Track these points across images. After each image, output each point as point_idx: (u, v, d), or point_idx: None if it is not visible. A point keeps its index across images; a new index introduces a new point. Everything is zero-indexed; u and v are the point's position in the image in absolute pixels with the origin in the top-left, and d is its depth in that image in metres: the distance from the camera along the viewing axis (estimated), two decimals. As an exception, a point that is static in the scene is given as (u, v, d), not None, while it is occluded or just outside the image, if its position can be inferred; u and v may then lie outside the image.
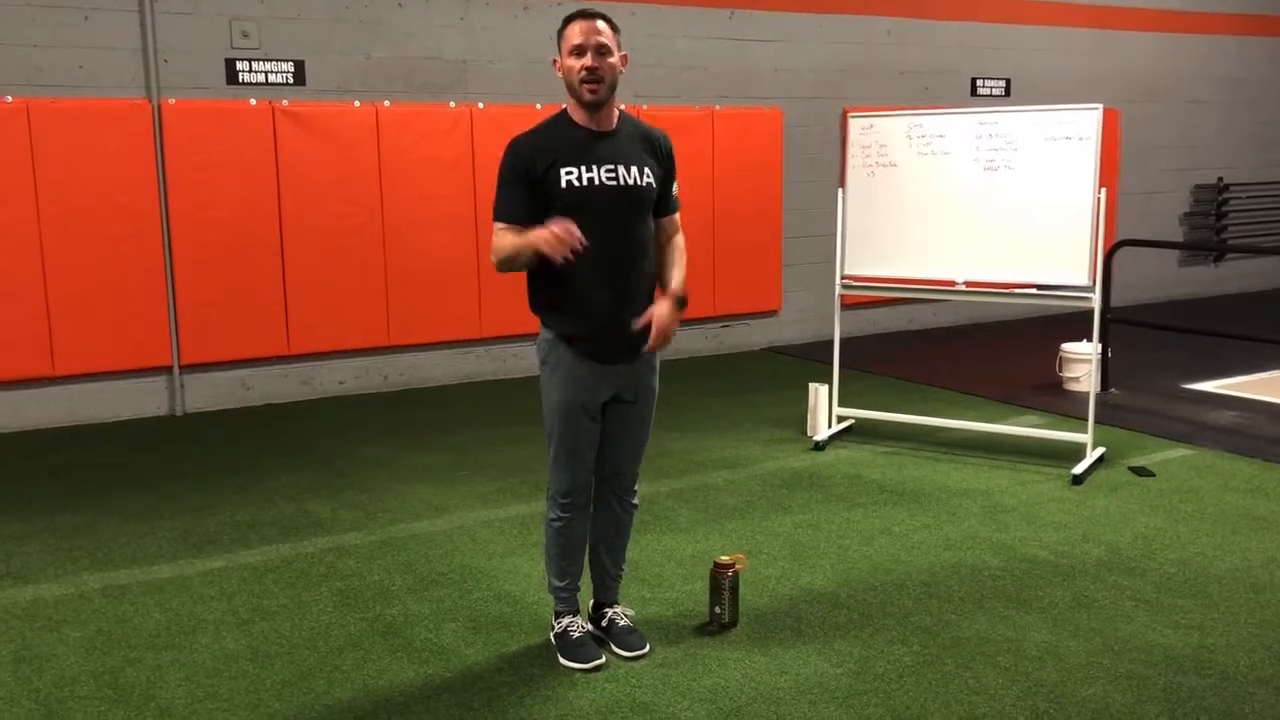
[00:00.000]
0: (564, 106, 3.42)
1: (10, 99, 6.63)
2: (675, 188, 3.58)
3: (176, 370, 7.25)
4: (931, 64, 10.06)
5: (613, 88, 3.32)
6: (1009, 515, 5.06)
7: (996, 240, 5.82)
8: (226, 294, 7.30)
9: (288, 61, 7.42)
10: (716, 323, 9.27)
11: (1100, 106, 5.55)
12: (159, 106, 7.02)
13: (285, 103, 7.34)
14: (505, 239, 3.32)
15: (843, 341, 6.64)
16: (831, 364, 6.50)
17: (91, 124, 6.82)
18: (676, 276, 3.51)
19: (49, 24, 6.77)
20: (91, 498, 5.51)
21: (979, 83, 10.36)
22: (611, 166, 3.34)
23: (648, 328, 3.37)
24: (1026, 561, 4.49)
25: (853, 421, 6.58)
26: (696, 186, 8.87)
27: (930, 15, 9.98)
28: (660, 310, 3.38)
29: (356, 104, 7.55)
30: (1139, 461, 5.87)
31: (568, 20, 3.34)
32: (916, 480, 5.61)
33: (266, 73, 7.37)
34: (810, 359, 8.88)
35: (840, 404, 6.49)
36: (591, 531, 3.71)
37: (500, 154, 3.43)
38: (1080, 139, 5.58)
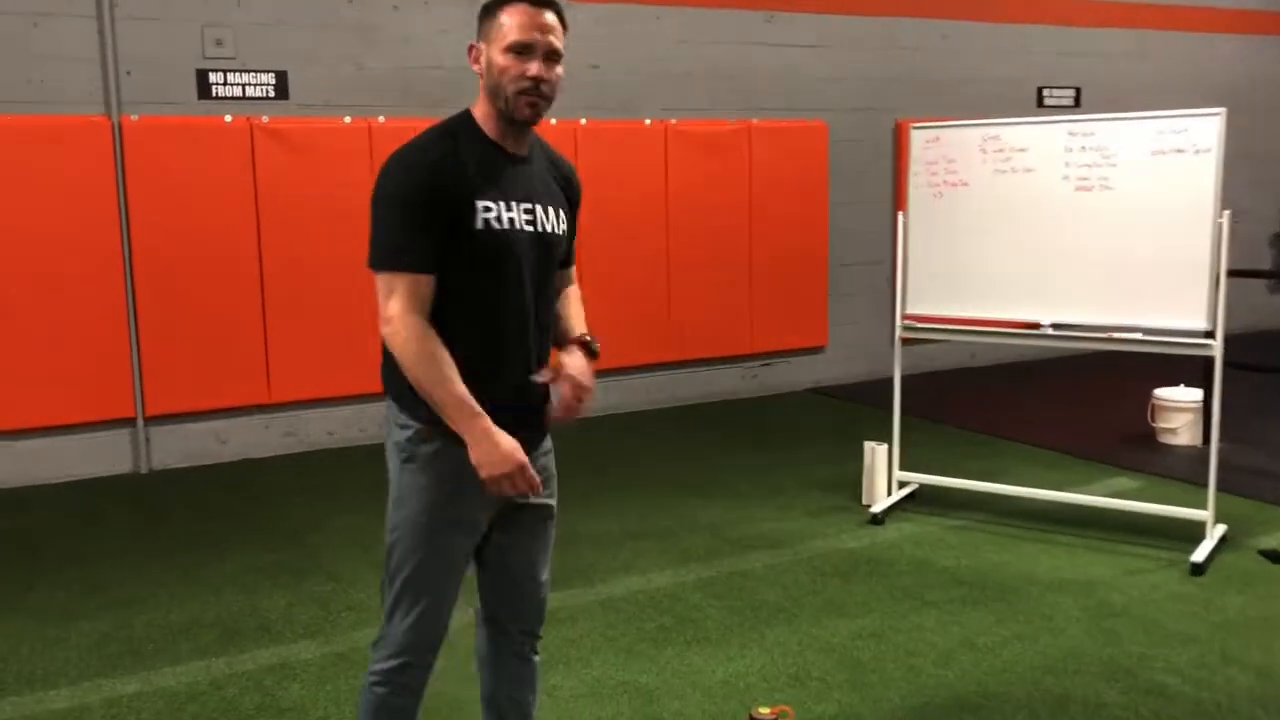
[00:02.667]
0: (467, 109, 2.42)
1: (-52, 117, 5.84)
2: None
3: (141, 423, 6.39)
4: (993, 71, 9.07)
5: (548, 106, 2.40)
6: (1120, 620, 4.05)
7: (1091, 274, 4.82)
8: (198, 336, 6.44)
9: (268, 73, 6.58)
10: (754, 361, 8.31)
11: (1223, 111, 4.56)
12: (120, 124, 6.19)
13: (265, 119, 6.49)
14: (434, 350, 2.26)
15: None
16: (888, 410, 5.53)
17: (42, 145, 6.00)
18: (580, 317, 2.62)
19: (-7, 32, 5.97)
20: (6, 585, 4.64)
21: (1045, 92, 9.35)
22: (530, 206, 2.39)
23: (544, 401, 2.43)
24: (1155, 694, 3.48)
25: (915, 486, 5.59)
26: (732, 209, 7.94)
27: (991, 18, 9.00)
28: (576, 364, 2.46)
29: (346, 119, 6.68)
30: (1269, 542, 4.83)
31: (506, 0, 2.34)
32: (998, 568, 4.61)
33: (244, 85, 6.52)
34: (860, 401, 7.89)
35: (899, 463, 5.50)
36: (486, 680, 2.70)
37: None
38: (1197, 151, 4.58)
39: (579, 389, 2.40)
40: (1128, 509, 5.09)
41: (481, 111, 2.39)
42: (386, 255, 2.28)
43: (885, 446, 5.46)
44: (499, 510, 2.48)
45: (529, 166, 2.43)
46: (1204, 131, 4.56)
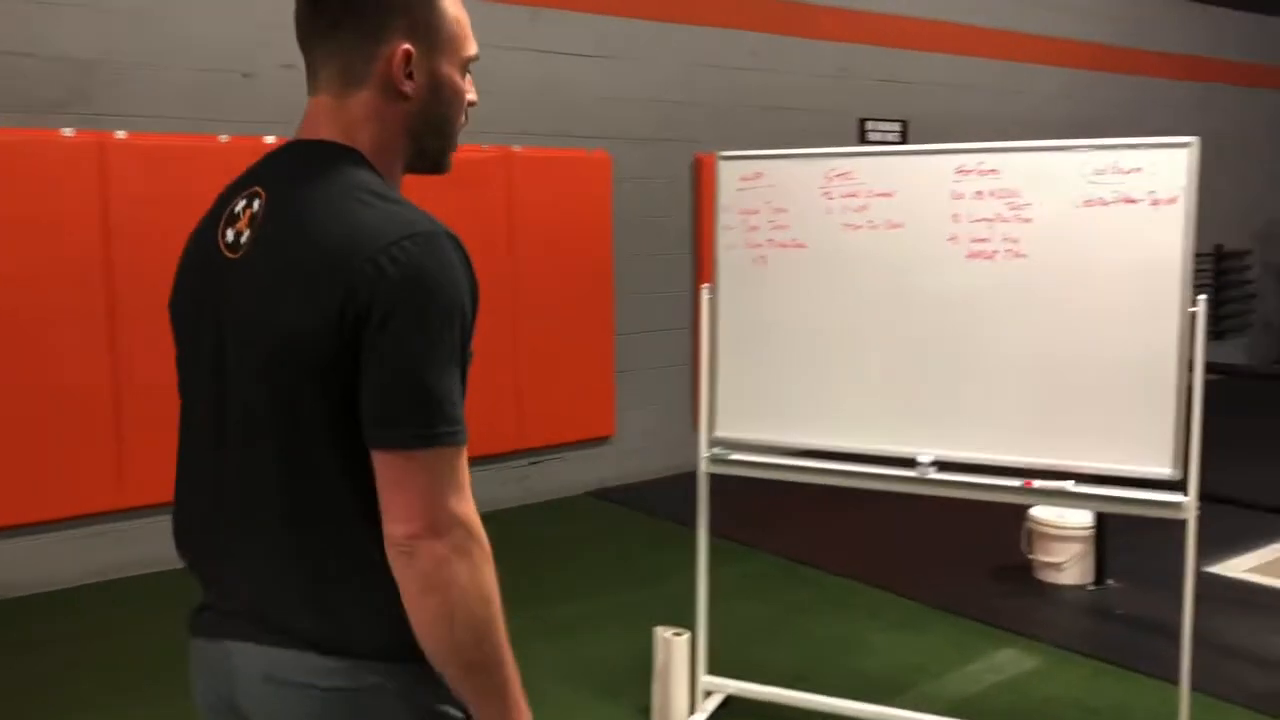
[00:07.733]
0: (345, 149, 1.43)
1: None
2: None
3: None
4: (806, 98, 7.51)
5: None
6: None
7: (995, 386, 3.16)
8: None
9: None
10: (520, 459, 6.39)
11: (1195, 141, 2.96)
12: None
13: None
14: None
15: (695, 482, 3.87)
16: (692, 528, 3.70)
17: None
18: None
19: None
20: None
21: (869, 125, 7.88)
22: None
23: None
24: None
25: (727, 694, 3.77)
26: (487, 261, 5.96)
27: (806, 32, 7.46)
28: None
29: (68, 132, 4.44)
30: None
31: None
32: None
33: None
34: (657, 513, 6.08)
35: (708, 612, 3.69)
36: None
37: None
38: (1154, 201, 2.97)
39: None
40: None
41: (392, 166, 1.47)
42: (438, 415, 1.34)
43: (685, 639, 3.61)
44: None
45: None
46: (1166, 171, 2.95)
